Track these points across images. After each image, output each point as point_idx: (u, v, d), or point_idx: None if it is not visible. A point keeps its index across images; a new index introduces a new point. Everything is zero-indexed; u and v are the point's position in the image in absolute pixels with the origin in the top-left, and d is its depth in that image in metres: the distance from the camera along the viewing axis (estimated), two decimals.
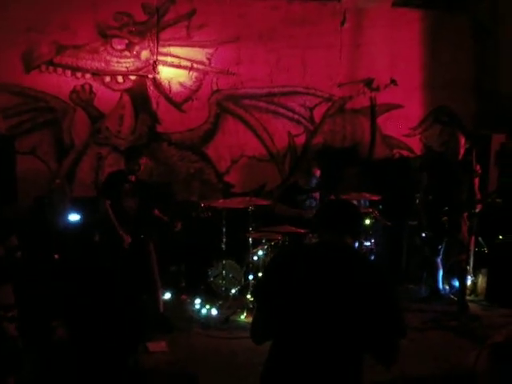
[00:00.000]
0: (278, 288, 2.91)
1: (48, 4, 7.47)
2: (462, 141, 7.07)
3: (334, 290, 2.82)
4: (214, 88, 8.21)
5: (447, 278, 7.60)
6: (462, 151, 7.03)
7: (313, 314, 2.82)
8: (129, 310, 5.97)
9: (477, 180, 7.10)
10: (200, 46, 8.07)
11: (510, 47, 8.70)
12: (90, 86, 7.79)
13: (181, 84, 8.09)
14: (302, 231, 6.92)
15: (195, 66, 8.10)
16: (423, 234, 7.35)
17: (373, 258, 7.37)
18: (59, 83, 7.65)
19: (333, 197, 7.55)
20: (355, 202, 7.68)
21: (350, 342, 2.81)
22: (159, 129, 8.08)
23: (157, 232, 6.68)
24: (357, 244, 7.15)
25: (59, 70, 7.64)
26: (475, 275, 7.79)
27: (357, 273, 2.86)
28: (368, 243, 7.38)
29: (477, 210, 7.03)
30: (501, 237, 7.64)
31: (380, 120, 8.88)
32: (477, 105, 9.12)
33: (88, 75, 7.76)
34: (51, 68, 7.61)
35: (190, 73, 8.10)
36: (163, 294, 6.85)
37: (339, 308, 2.80)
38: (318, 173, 7.61)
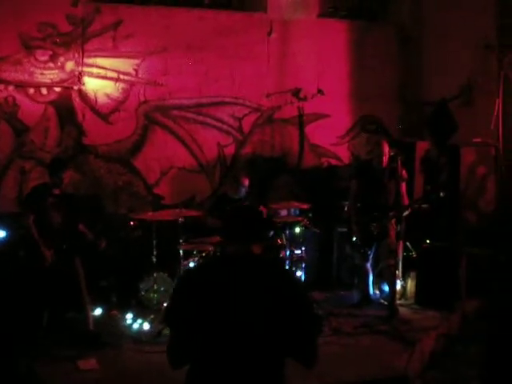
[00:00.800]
0: (189, 309, 2.85)
1: None
2: (386, 149, 7.19)
3: (246, 301, 2.80)
4: (142, 99, 8.13)
5: (377, 283, 7.68)
6: (385, 159, 7.16)
7: (229, 330, 2.78)
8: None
9: (404, 185, 7.21)
10: (126, 57, 7.99)
11: (433, 52, 8.91)
12: (14, 99, 7.60)
13: (107, 95, 7.98)
14: None
15: (122, 77, 8.01)
16: (353, 240, 7.40)
17: (303, 265, 7.41)
18: None
19: (262, 207, 7.58)
20: (285, 211, 7.87)
21: (271, 351, 2.80)
22: (86, 141, 7.95)
23: (82, 247, 6.51)
24: (288, 252, 7.25)
25: None
26: (404, 279, 7.87)
27: (266, 280, 2.84)
28: (298, 251, 7.38)
29: (405, 214, 7.14)
30: (428, 241, 7.76)
31: (308, 129, 8.95)
32: (402, 113, 9.27)
33: (11, 87, 7.57)
34: None
35: (117, 84, 8.01)
36: (93, 310, 6.66)
37: (254, 319, 2.78)
38: (246, 182, 7.58)
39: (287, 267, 7.23)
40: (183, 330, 2.85)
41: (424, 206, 7.37)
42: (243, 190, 7.60)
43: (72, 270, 6.30)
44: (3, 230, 6.92)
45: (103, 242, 6.58)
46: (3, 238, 6.89)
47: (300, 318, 2.82)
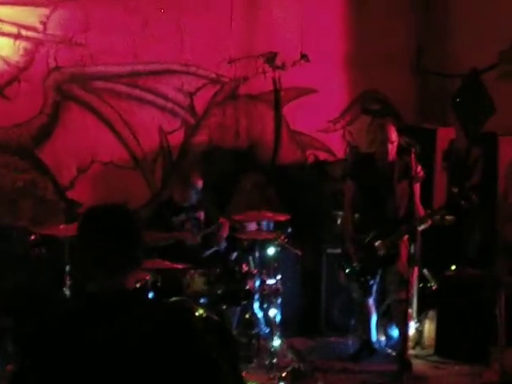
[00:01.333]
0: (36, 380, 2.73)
1: None
2: (394, 136, 7.12)
3: (112, 371, 2.67)
4: (52, 65, 7.99)
5: (383, 326, 7.70)
6: (392, 149, 7.12)
7: None
8: None
9: (417, 188, 7.14)
10: (31, 4, 7.86)
11: (464, 5, 9.00)
12: None
13: (3, 59, 7.83)
14: (180, 267, 6.90)
15: (24, 33, 7.86)
16: (349, 266, 7.33)
17: (279, 300, 7.30)
18: None
19: (222, 218, 7.73)
20: (254, 225, 7.83)
21: None
22: None
23: None
24: (257, 283, 7.17)
25: None
26: (420, 321, 7.85)
27: (143, 337, 2.70)
28: (272, 281, 7.23)
29: (421, 228, 7.09)
30: (453, 267, 7.75)
31: (287, 110, 8.97)
32: (418, 89, 9.30)
33: None
34: None
35: (17, 43, 7.86)
36: None
37: None
38: (199, 183, 7.59)
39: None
40: None
41: (448, 217, 7.40)
42: (195, 195, 7.60)
43: None
44: None
45: None
46: None
47: (204, 376, 2.76)
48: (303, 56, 8.86)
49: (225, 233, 7.69)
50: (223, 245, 7.68)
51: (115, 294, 2.77)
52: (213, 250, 7.65)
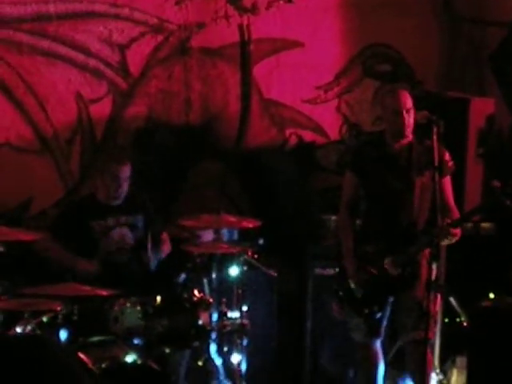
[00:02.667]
0: None
1: None
2: (408, 103, 7.03)
3: None
4: None
5: (392, 378, 7.63)
6: (408, 129, 7.03)
7: None
8: None
9: (447, 182, 7.11)
10: None
11: None
12: None
13: None
14: (105, 293, 6.83)
15: None
16: (347, 291, 7.21)
17: (245, 341, 7.35)
18: None
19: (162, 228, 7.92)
20: (210, 233, 7.85)
21: None
22: None
23: None
24: (215, 316, 7.21)
25: None
26: (445, 371, 7.84)
27: None
28: (236, 313, 7.29)
29: (448, 241, 6.97)
30: (491, 295, 7.73)
31: (259, 70, 9.02)
32: (446, 44, 9.34)
33: None
34: None
35: None
36: None
37: None
38: (124, 172, 7.59)
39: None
40: None
41: (485, 224, 7.46)
42: (119, 189, 7.58)
43: None
44: None
45: None
46: None
47: None
48: None
49: (165, 245, 7.79)
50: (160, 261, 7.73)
51: None
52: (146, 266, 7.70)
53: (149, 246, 7.65)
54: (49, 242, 7.43)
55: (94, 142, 8.59)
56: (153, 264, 7.71)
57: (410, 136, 7.01)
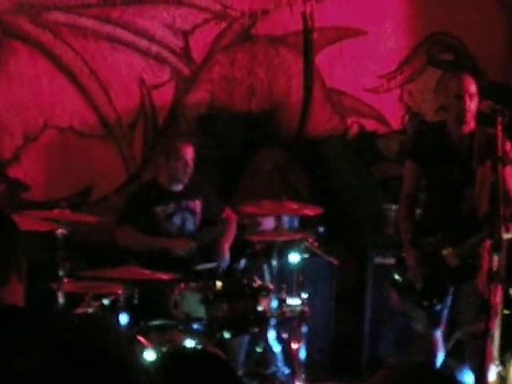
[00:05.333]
0: None
1: None
2: (472, 88, 6.89)
3: None
4: None
5: (450, 367, 7.45)
6: (471, 118, 6.90)
7: None
8: None
9: (508, 172, 6.85)
10: None
11: None
12: None
13: None
14: (167, 278, 6.78)
15: None
16: (407, 282, 7.09)
17: (305, 329, 7.21)
18: None
19: (228, 209, 7.82)
20: (272, 221, 7.85)
21: None
22: None
23: None
24: (275, 303, 7.06)
25: None
26: (504, 363, 7.61)
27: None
28: (295, 301, 7.14)
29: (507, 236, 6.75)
30: None
31: (322, 59, 8.95)
32: (509, 34, 9.25)
33: None
34: None
35: None
36: None
37: None
38: (188, 152, 7.57)
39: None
40: None
41: None
42: (180, 172, 7.54)
43: None
44: None
45: None
46: None
47: None
48: None
49: (229, 238, 7.67)
50: (225, 261, 7.59)
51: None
52: (210, 265, 7.56)
53: (224, 238, 7.58)
54: (128, 233, 7.43)
55: (156, 127, 8.58)
56: (223, 262, 7.58)
57: (471, 123, 6.86)
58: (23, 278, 2.84)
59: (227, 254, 7.59)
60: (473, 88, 6.85)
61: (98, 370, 2.69)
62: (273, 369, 7.13)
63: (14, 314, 2.79)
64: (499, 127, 6.49)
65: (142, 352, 6.10)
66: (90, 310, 6.76)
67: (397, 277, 7.23)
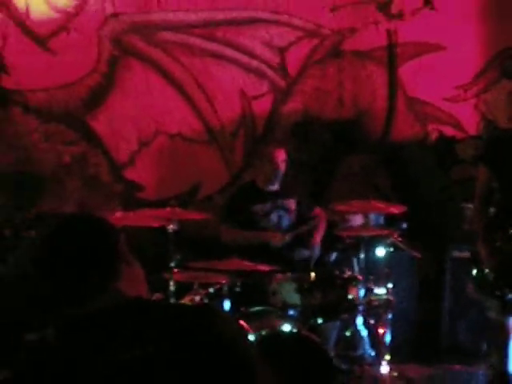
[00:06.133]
0: None
1: None
2: None
3: None
4: (109, 10, 8.25)
5: None
6: None
7: None
8: None
9: None
10: None
11: None
12: None
13: (48, 3, 8.08)
14: (265, 269, 6.95)
15: None
16: (483, 274, 7.11)
17: (390, 315, 7.31)
18: None
19: (318, 209, 7.89)
20: (360, 218, 7.92)
21: None
22: (7, 83, 8.11)
23: None
24: (362, 292, 7.17)
25: None
26: None
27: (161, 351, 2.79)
28: (381, 290, 7.27)
29: None
30: None
31: (405, 71, 9.02)
32: None
33: None
34: None
35: None
36: None
37: None
38: (281, 156, 7.69)
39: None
40: None
41: None
42: (275, 174, 7.69)
43: None
44: None
45: None
46: None
47: None
48: (427, 2, 8.88)
49: (320, 232, 7.78)
50: (317, 249, 7.74)
51: (119, 306, 2.93)
52: (303, 254, 7.71)
53: (316, 232, 7.70)
54: (230, 230, 7.62)
55: (254, 134, 8.70)
56: (315, 251, 7.69)
57: None
58: (133, 262, 2.94)
59: (318, 247, 7.67)
60: None
61: (215, 354, 2.77)
62: (360, 351, 7.30)
63: (136, 306, 2.90)
64: None
65: None
66: (197, 297, 6.90)
67: (472, 269, 7.25)
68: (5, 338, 6.44)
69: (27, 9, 8.05)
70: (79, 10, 8.15)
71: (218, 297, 6.96)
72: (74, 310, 2.90)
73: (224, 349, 2.80)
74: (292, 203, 7.78)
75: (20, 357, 3.31)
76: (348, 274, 7.21)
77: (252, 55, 8.65)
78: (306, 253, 7.70)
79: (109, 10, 8.23)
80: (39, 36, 8.10)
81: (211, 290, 7.03)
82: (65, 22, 8.13)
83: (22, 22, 8.05)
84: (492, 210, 7.27)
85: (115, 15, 8.25)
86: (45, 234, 3.02)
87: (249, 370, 2.82)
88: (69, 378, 2.86)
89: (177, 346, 2.79)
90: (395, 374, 7.22)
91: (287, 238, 7.59)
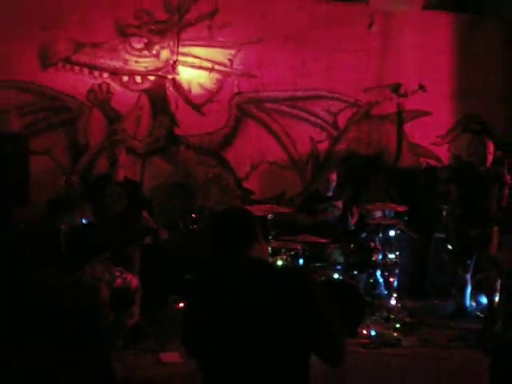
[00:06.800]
0: (201, 328, 2.87)
1: None
2: (491, 147, 6.96)
3: (252, 311, 2.76)
4: (235, 90, 8.17)
5: (474, 295, 7.44)
6: (490, 158, 6.94)
7: (242, 343, 2.77)
8: None
9: (506, 192, 6.97)
10: (222, 47, 8.06)
11: None
12: (108, 86, 7.79)
13: (201, 85, 8.07)
14: (324, 241, 6.91)
15: (216, 67, 8.07)
16: (450, 248, 7.24)
17: (397, 270, 7.23)
18: (76, 82, 7.67)
19: (355, 207, 7.64)
20: (380, 213, 7.74)
21: (288, 355, 2.76)
22: (177, 131, 8.05)
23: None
24: (380, 256, 7.12)
25: (76, 68, 7.66)
26: None
27: (270, 288, 2.78)
28: (393, 256, 7.20)
29: None
30: None
31: (407, 127, 8.77)
32: (508, 113, 8.92)
33: (105, 74, 7.77)
34: (68, 66, 7.64)
35: (211, 74, 8.08)
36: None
37: (265, 326, 2.74)
38: (333, 177, 7.61)
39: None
40: (200, 350, 2.90)
41: None
42: (330, 186, 7.62)
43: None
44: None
45: (164, 232, 6.69)
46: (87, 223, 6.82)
47: (313, 322, 2.75)
48: (421, 87, 8.65)
49: (355, 219, 7.61)
50: (352, 228, 7.60)
51: (241, 262, 2.89)
52: (345, 228, 7.55)
53: (349, 217, 7.61)
54: (303, 217, 7.52)
55: (318, 163, 8.46)
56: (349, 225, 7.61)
57: (488, 164, 6.85)
58: (261, 239, 2.96)
59: (352, 225, 7.58)
60: (491, 147, 6.91)
61: (301, 297, 2.74)
62: (378, 291, 7.28)
63: (256, 263, 2.89)
64: (505, 166, 6.69)
65: None
66: (284, 257, 6.82)
67: (446, 245, 7.29)
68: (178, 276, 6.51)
69: (189, 88, 8.05)
70: (219, 89, 8.12)
71: (296, 257, 6.90)
72: (220, 260, 2.90)
73: (309, 293, 2.78)
74: (340, 203, 7.67)
75: (182, 287, 3.37)
76: (372, 245, 7.17)
77: (317, 116, 8.49)
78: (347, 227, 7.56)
79: (235, 90, 8.20)
80: (196, 104, 8.10)
81: (292, 253, 6.95)
82: (211, 96, 8.12)
83: (186, 96, 8.05)
84: (457, 210, 7.22)
85: (239, 93, 8.22)
86: (216, 215, 3.08)
87: (320, 304, 2.79)
88: (209, 304, 2.87)
89: (279, 293, 2.75)
90: (399, 305, 7.15)
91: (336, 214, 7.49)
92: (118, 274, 5.84)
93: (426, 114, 8.79)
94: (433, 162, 8.89)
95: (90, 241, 6.06)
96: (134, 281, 5.97)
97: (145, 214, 6.76)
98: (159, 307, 6.81)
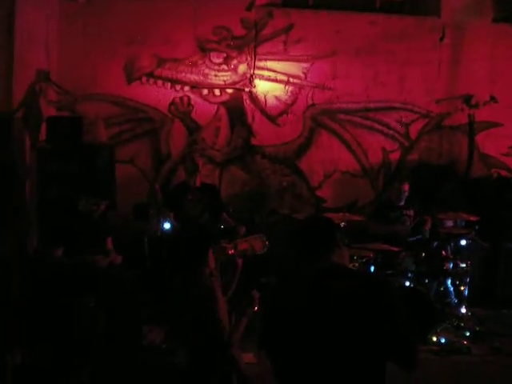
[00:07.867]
0: (280, 330, 2.87)
1: (149, 17, 7.75)
2: None
3: (333, 316, 2.77)
4: (310, 102, 8.21)
5: None
6: None
7: (321, 346, 2.77)
8: None
9: None
10: (296, 61, 8.11)
11: None
12: (189, 99, 7.97)
13: (276, 98, 8.14)
14: (395, 249, 6.82)
15: (291, 80, 8.13)
16: None
17: (467, 279, 7.10)
18: (159, 95, 7.90)
19: (427, 216, 7.48)
20: (451, 222, 7.63)
21: (365, 360, 2.75)
22: (254, 141, 8.17)
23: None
24: (451, 265, 7.02)
25: (159, 82, 7.89)
26: None
27: (350, 293, 2.79)
28: (463, 265, 7.09)
29: None
30: None
31: (478, 138, 8.63)
32: None
33: (187, 88, 7.96)
34: (152, 80, 7.88)
35: (286, 87, 8.14)
36: None
37: (344, 331, 2.74)
38: (406, 187, 7.51)
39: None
40: (277, 352, 2.90)
41: None
42: (402, 196, 7.54)
43: None
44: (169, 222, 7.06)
45: (243, 229, 6.77)
46: (169, 229, 6.97)
47: (390, 327, 2.73)
48: (492, 98, 8.50)
49: (427, 228, 7.46)
50: (427, 233, 7.44)
51: (324, 268, 2.91)
52: (418, 237, 7.37)
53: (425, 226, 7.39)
54: (374, 225, 7.39)
55: (390, 172, 8.42)
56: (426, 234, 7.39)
57: None
58: (342, 245, 3.03)
59: (427, 233, 7.40)
60: None
61: (379, 303, 2.75)
62: (449, 299, 7.13)
63: (336, 268, 2.92)
64: None
65: None
66: (356, 264, 6.66)
67: None
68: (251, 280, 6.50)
69: (265, 100, 8.14)
70: (293, 101, 8.17)
71: (367, 264, 6.84)
72: (301, 265, 2.94)
73: (388, 299, 2.79)
74: (411, 212, 7.59)
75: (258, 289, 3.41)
76: (444, 254, 7.09)
77: (389, 127, 8.45)
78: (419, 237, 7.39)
79: (309, 102, 8.23)
80: (272, 116, 8.18)
81: (364, 260, 6.87)
82: (285, 108, 8.18)
83: (262, 108, 8.15)
84: None
85: (313, 105, 8.24)
86: (299, 222, 3.12)
87: (397, 310, 2.79)
88: (288, 308, 2.89)
89: (359, 298, 2.77)
90: (469, 313, 7.04)
91: (408, 229, 7.36)
92: None
93: (497, 125, 8.63)
94: (504, 173, 8.74)
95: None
96: None
97: (224, 214, 7.00)
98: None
